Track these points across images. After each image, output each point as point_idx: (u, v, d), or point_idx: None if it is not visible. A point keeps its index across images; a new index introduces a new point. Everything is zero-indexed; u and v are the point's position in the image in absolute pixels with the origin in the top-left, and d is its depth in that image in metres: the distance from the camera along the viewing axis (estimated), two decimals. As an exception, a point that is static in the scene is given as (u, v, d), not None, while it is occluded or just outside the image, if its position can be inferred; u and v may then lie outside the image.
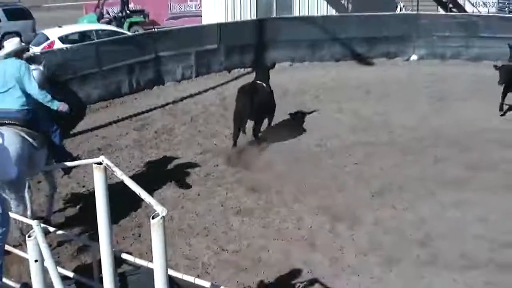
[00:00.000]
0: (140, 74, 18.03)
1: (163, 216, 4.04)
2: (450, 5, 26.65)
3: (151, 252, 4.13)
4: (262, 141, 13.33)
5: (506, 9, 31.60)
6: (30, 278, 4.78)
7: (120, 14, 28.97)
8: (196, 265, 8.60)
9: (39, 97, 8.37)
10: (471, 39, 21.09)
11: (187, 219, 10.04)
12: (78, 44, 18.52)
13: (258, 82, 13.84)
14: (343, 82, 18.59)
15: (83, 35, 21.82)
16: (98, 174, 4.74)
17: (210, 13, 27.10)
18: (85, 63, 16.52)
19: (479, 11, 29.05)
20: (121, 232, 9.46)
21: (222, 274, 8.37)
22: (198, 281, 5.23)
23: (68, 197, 10.73)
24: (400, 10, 28.16)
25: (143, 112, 15.98)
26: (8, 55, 8.50)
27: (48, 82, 9.68)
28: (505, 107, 15.01)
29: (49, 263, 4.13)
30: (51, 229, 6.58)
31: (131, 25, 28.64)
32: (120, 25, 27.52)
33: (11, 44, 8.61)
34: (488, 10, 30.84)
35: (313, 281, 8.16)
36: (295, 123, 14.44)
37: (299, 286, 8.12)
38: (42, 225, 4.88)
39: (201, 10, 30.12)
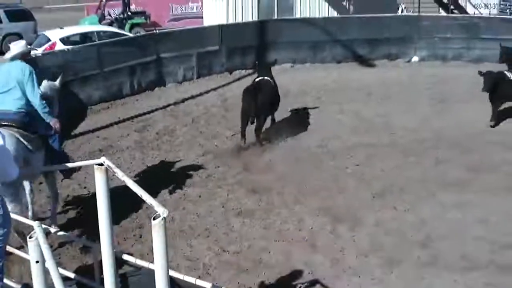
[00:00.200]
0: (141, 75, 18.06)
1: (164, 217, 4.05)
2: (452, 7, 26.66)
3: (152, 253, 4.14)
4: (263, 141, 13.36)
5: (508, 10, 31.62)
6: (31, 279, 4.79)
7: (121, 16, 28.98)
8: (197, 266, 8.61)
9: (37, 105, 8.34)
10: (473, 41, 21.10)
11: (188, 220, 10.05)
12: (80, 45, 18.59)
13: (263, 78, 14.03)
14: (344, 83, 18.60)
15: (85, 37, 21.84)
16: (99, 175, 4.75)
17: (212, 15, 27.10)
18: (86, 65, 16.56)
19: (480, 12, 29.07)
20: (122, 233, 9.47)
21: (223, 275, 8.38)
22: (199, 282, 5.24)
23: (69, 198, 10.75)
24: (402, 12, 28.15)
25: (144, 114, 16.00)
26: (14, 57, 8.51)
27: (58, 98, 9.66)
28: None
29: (50, 264, 4.15)
30: (52, 230, 6.60)
31: (132, 26, 28.64)
32: (121, 26, 27.54)
33: (18, 46, 8.62)
34: (490, 11, 30.83)
35: (314, 282, 8.16)
36: (296, 124, 14.44)
37: (300, 287, 8.12)
38: (43, 226, 4.88)
39: (202, 12, 30.13)
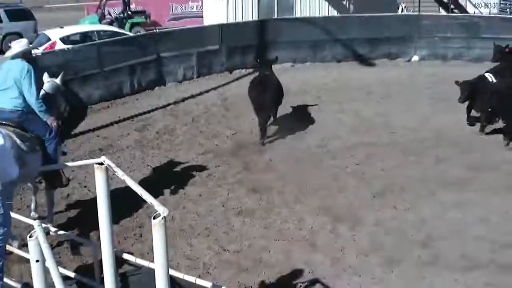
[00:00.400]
0: (141, 74, 18.07)
1: (164, 217, 4.04)
2: (452, 6, 26.63)
3: (152, 252, 4.13)
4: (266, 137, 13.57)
5: (508, 10, 31.58)
6: (31, 278, 4.78)
7: (121, 15, 28.96)
8: (197, 265, 8.61)
9: (34, 104, 8.31)
10: (473, 40, 21.10)
11: (189, 219, 10.05)
12: (80, 44, 18.57)
13: (268, 74, 14.18)
14: (344, 83, 18.60)
15: (85, 36, 21.82)
16: (99, 174, 4.75)
17: (212, 14, 27.10)
18: (86, 64, 16.57)
19: (480, 12, 29.02)
20: (122, 232, 9.47)
21: (223, 274, 8.38)
22: (199, 281, 5.24)
23: (70, 197, 10.74)
24: (402, 11, 28.13)
25: (144, 113, 16.00)
26: (15, 56, 8.50)
27: (63, 96, 9.63)
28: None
29: (50, 263, 4.14)
30: (53, 229, 6.60)
31: (132, 26, 28.62)
32: (121, 26, 27.52)
33: (19, 45, 8.60)
34: (490, 11, 30.79)
35: (314, 281, 8.16)
36: (297, 124, 14.43)
37: (300, 286, 8.12)
38: (43, 225, 4.88)
39: (202, 11, 30.12)
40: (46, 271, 4.45)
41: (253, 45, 20.37)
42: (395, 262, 8.64)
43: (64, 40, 21.02)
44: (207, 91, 18.01)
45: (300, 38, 20.88)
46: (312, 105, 16.19)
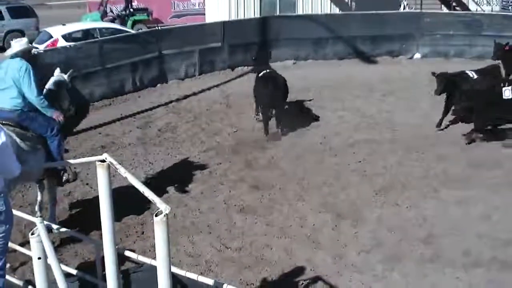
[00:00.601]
0: (143, 72, 18.10)
1: (166, 214, 4.05)
2: (454, 4, 26.61)
3: (154, 250, 4.14)
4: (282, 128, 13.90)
5: (510, 7, 31.48)
6: (33, 275, 4.79)
7: (123, 12, 29.01)
8: (199, 263, 8.61)
9: (35, 101, 8.31)
10: (475, 38, 21.10)
11: (190, 216, 10.05)
12: (82, 42, 18.57)
13: (271, 70, 14.39)
14: (346, 80, 18.61)
15: (87, 33, 21.84)
16: (101, 171, 4.75)
17: (214, 11, 27.11)
18: (88, 61, 16.60)
19: (482, 9, 28.96)
20: (124, 229, 9.47)
21: (225, 271, 8.38)
22: (201, 279, 5.23)
23: (72, 195, 10.74)
24: (404, 9, 28.11)
25: (146, 110, 16.02)
26: (15, 55, 8.49)
27: (68, 93, 9.61)
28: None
29: (52, 260, 4.15)
30: (55, 226, 6.60)
31: (134, 23, 28.69)
32: (123, 23, 27.58)
33: (19, 44, 8.58)
34: (492, 8, 30.73)
35: (316, 279, 8.15)
36: (298, 121, 14.42)
37: (302, 284, 8.12)
38: (45, 222, 4.89)
39: (204, 8, 30.15)
40: (48, 268, 4.46)
41: (255, 43, 20.39)
42: (397, 259, 8.63)
43: (66, 37, 21.04)
44: (209, 89, 18.03)
45: (302, 35, 20.92)
46: (314, 102, 16.18)
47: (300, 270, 8.41)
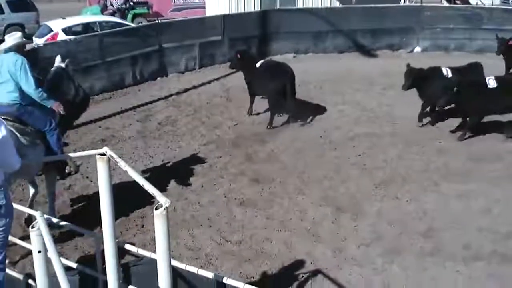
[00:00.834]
0: (143, 65, 18.10)
1: (166, 207, 4.05)
2: (454, -3, 26.59)
3: (155, 243, 4.14)
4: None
5: (510, 1, 31.46)
6: (33, 268, 4.79)
7: (123, 6, 28.94)
8: (199, 256, 8.61)
9: (34, 94, 8.29)
10: (475, 31, 21.10)
11: (191, 210, 10.06)
12: (82, 35, 18.54)
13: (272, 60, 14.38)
14: (346, 73, 18.61)
15: (87, 27, 21.78)
16: (101, 165, 4.75)
17: (214, 5, 27.03)
18: (88, 55, 16.60)
19: (482, 3, 28.91)
20: (124, 222, 9.48)
21: (225, 265, 8.39)
22: (201, 272, 5.24)
23: (72, 188, 10.75)
24: (404, 2, 28.07)
25: (146, 104, 16.02)
26: (9, 49, 8.45)
27: (69, 81, 9.58)
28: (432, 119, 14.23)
29: (52, 254, 4.15)
30: (55, 220, 6.60)
31: (134, 16, 28.65)
32: (123, 16, 27.53)
33: (13, 38, 8.53)
34: (492, 2, 30.69)
35: (316, 272, 8.16)
36: (298, 115, 14.41)
37: (302, 277, 8.12)
38: (46, 216, 4.89)
39: (204, 2, 30.03)
40: (48, 262, 4.47)
41: (256, 36, 20.40)
42: (397, 253, 8.64)
43: (66, 31, 20.99)
44: (209, 82, 18.03)
45: (302, 29, 20.93)
46: (314, 96, 16.17)
47: (300, 264, 8.42)
